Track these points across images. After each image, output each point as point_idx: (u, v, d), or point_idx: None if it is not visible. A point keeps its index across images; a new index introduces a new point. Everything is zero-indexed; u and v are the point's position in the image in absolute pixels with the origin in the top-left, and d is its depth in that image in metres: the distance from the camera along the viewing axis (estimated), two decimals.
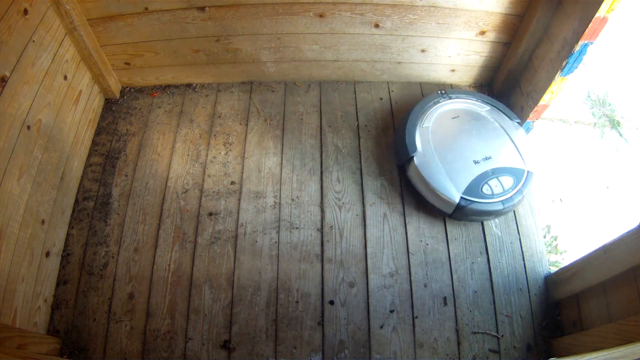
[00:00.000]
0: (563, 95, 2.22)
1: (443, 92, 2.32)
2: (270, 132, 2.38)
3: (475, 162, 2.07)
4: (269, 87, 2.55)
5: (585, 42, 1.88)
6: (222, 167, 2.26)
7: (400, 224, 2.12)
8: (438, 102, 2.28)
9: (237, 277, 1.98)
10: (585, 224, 2.82)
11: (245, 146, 2.33)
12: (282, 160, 2.29)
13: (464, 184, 2.02)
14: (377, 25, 2.22)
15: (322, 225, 2.11)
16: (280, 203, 2.16)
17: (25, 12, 1.73)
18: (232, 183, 2.21)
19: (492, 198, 2.01)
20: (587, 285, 1.72)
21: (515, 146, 2.13)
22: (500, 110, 2.26)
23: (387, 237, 2.09)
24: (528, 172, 2.07)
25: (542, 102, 2.18)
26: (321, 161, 2.29)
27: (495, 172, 2.05)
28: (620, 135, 3.21)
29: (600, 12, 1.74)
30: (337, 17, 2.18)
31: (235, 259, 2.02)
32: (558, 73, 2.02)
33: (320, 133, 2.38)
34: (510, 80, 2.43)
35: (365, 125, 2.41)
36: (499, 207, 1.99)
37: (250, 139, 2.35)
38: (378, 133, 2.39)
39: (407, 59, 2.44)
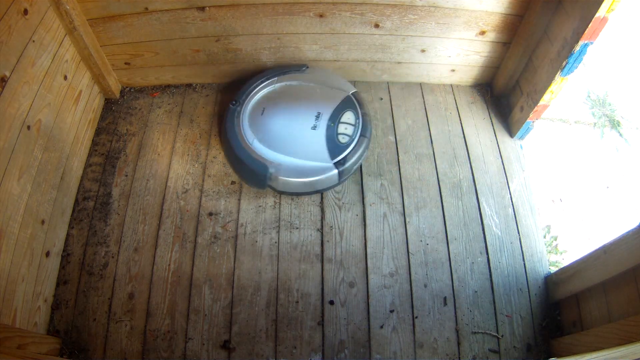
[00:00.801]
0: (563, 95, 2.22)
1: (233, 102, 2.22)
2: None
3: (313, 128, 2.10)
4: None
5: (585, 42, 1.88)
6: (222, 167, 2.26)
7: (400, 224, 2.12)
8: (234, 113, 2.18)
9: (237, 277, 1.98)
10: (585, 224, 2.82)
11: None
12: None
13: (325, 152, 2.05)
14: (377, 25, 2.22)
15: (322, 225, 2.11)
16: (280, 203, 2.16)
17: (25, 12, 1.73)
18: (232, 183, 2.21)
19: (353, 137, 2.09)
20: (587, 286, 1.72)
21: (324, 86, 2.23)
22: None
23: (387, 237, 2.09)
24: (352, 94, 2.21)
25: (542, 102, 2.18)
26: None
27: (333, 118, 2.12)
28: (620, 135, 3.21)
29: (600, 12, 1.74)
30: (337, 17, 2.18)
31: (235, 259, 2.02)
32: (558, 73, 2.02)
33: None
34: (510, 81, 2.43)
35: None
36: (361, 140, 2.10)
37: None
38: (378, 133, 2.39)
39: (407, 59, 2.44)
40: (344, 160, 2.04)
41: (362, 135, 2.12)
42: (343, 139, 2.08)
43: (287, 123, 2.13)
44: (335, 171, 2.02)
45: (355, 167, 2.12)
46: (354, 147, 2.08)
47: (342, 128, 2.11)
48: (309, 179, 2.02)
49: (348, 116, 2.15)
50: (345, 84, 2.30)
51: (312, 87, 2.26)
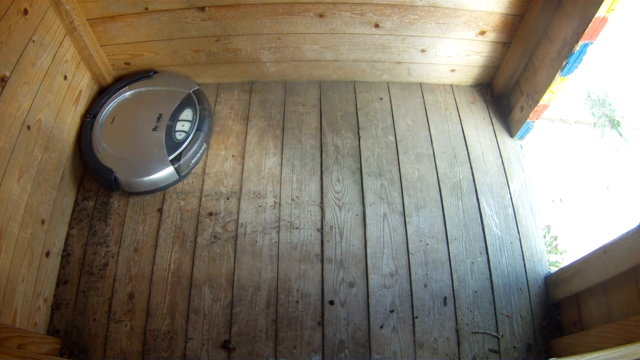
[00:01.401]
0: (563, 95, 2.22)
1: (87, 116, 2.24)
2: (270, 132, 2.38)
3: (154, 129, 2.17)
4: (269, 87, 2.55)
5: (585, 42, 1.88)
6: (222, 167, 2.26)
7: (400, 224, 2.12)
8: (87, 125, 2.21)
9: (237, 277, 1.98)
10: (585, 224, 2.82)
11: (245, 146, 2.33)
12: (282, 160, 2.29)
13: (163, 151, 2.11)
14: (377, 25, 2.22)
15: (322, 225, 2.11)
16: (280, 203, 2.16)
17: (25, 12, 1.73)
18: (232, 183, 2.21)
19: (189, 133, 2.17)
20: (587, 286, 1.72)
21: (168, 88, 2.30)
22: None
23: (387, 237, 2.09)
24: (193, 92, 2.28)
25: (542, 102, 2.18)
26: (321, 161, 2.29)
27: (173, 118, 2.20)
28: (620, 135, 3.21)
29: (600, 12, 1.74)
30: (337, 17, 2.18)
31: (235, 259, 2.02)
32: (558, 73, 2.02)
33: (320, 133, 2.38)
34: (510, 81, 2.43)
35: (366, 126, 2.41)
36: (197, 134, 2.18)
37: (250, 139, 2.35)
38: (378, 133, 2.39)
39: (407, 59, 2.44)
40: (179, 156, 2.12)
41: (199, 129, 2.21)
42: (180, 136, 2.17)
43: (131, 128, 2.22)
44: (171, 167, 2.10)
45: (193, 161, 2.21)
46: (189, 143, 2.17)
47: (179, 126, 2.21)
48: (148, 178, 2.09)
49: (186, 114, 2.25)
50: (188, 83, 2.39)
51: (157, 91, 2.35)
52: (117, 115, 2.25)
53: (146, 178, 2.09)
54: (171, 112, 2.23)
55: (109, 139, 2.17)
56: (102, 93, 2.33)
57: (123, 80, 2.38)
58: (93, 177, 2.21)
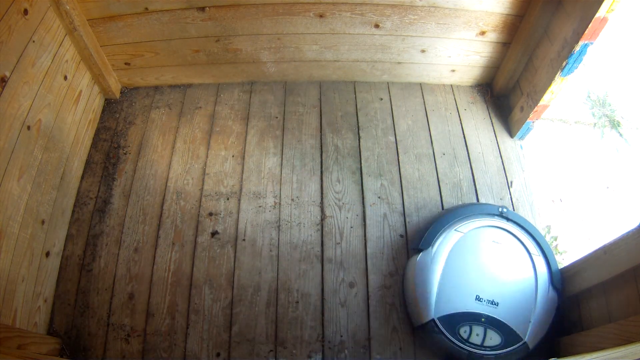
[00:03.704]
0: (563, 96, 2.23)
1: (504, 209, 1.99)
2: (270, 132, 2.38)
3: (477, 299, 1.80)
4: (269, 88, 2.55)
5: (585, 42, 1.88)
6: (222, 167, 2.26)
7: (401, 224, 2.12)
8: (493, 215, 1.97)
9: (237, 277, 1.98)
10: (586, 224, 2.82)
11: (245, 146, 2.33)
12: (282, 160, 2.29)
13: (448, 310, 1.78)
14: (377, 26, 2.22)
15: (322, 226, 2.11)
16: (280, 203, 2.16)
17: (25, 12, 1.73)
18: (232, 183, 2.21)
19: (463, 343, 1.75)
20: (587, 286, 1.72)
21: (533, 314, 1.79)
22: (548, 266, 1.89)
23: (387, 238, 2.09)
24: (524, 343, 1.76)
25: (542, 102, 2.18)
26: (321, 161, 2.29)
27: (489, 322, 1.77)
28: (620, 135, 3.21)
29: (600, 12, 1.74)
30: (337, 18, 2.18)
31: (235, 259, 2.02)
32: (558, 73, 2.02)
33: (320, 133, 2.38)
34: (510, 81, 2.43)
35: (366, 126, 2.41)
36: (463, 355, 1.75)
37: (250, 139, 2.35)
38: (378, 133, 2.39)
39: (407, 59, 2.44)
40: (436, 331, 1.78)
41: (463, 352, 1.77)
42: (463, 332, 1.78)
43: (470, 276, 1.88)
44: (423, 321, 1.81)
45: (428, 344, 1.86)
46: (446, 341, 1.78)
47: (477, 330, 1.78)
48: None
49: (493, 338, 1.78)
50: (534, 333, 1.81)
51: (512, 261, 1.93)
52: (468, 235, 1.93)
53: (409, 294, 1.88)
54: (498, 318, 1.78)
55: (440, 246, 1.90)
56: (489, 204, 2.06)
57: (516, 214, 2.02)
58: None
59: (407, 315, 1.91)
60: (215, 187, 2.20)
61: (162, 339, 1.86)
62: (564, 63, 1.98)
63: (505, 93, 2.52)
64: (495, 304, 1.80)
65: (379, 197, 2.19)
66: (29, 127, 1.77)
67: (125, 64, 2.38)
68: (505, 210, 1.99)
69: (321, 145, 2.34)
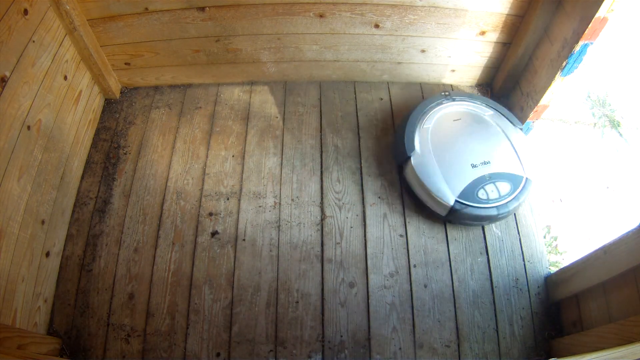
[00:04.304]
0: (563, 96, 2.22)
1: (446, 93, 2.30)
2: (270, 132, 2.38)
3: (473, 166, 2.05)
4: (269, 87, 2.55)
5: (585, 42, 1.88)
6: (222, 167, 2.26)
7: (401, 224, 2.12)
8: (440, 103, 2.25)
9: (237, 278, 1.98)
10: (586, 225, 2.82)
11: (245, 146, 2.33)
12: (282, 160, 2.29)
13: (460, 187, 2.00)
14: (377, 26, 2.22)
15: (322, 226, 2.11)
16: (280, 203, 2.16)
17: (25, 12, 1.73)
18: (232, 183, 2.21)
19: (488, 203, 1.98)
20: (587, 286, 1.72)
21: (516, 152, 2.10)
22: (503, 115, 2.23)
23: (387, 237, 2.09)
24: (526, 179, 2.04)
25: (542, 102, 2.18)
26: (321, 161, 2.29)
27: (493, 177, 2.02)
28: (620, 135, 3.21)
29: (600, 13, 1.74)
30: (337, 18, 2.18)
31: (235, 259, 2.02)
32: (558, 73, 2.02)
33: (321, 133, 2.38)
34: (510, 81, 2.43)
35: (366, 126, 2.41)
36: (494, 212, 1.97)
37: (250, 139, 2.35)
38: (378, 133, 2.39)
39: (407, 59, 2.44)
40: (464, 206, 1.99)
41: (492, 210, 2.01)
42: (482, 195, 2.01)
43: (451, 152, 2.14)
44: (449, 207, 2.00)
45: (462, 221, 2.09)
46: (480, 208, 2.00)
47: (490, 188, 2.03)
48: (428, 201, 2.08)
49: (504, 187, 2.04)
50: (529, 165, 2.11)
51: (487, 127, 2.22)
52: (434, 125, 2.19)
53: (424, 195, 2.07)
54: (497, 170, 2.04)
55: (422, 145, 2.12)
56: (434, 96, 2.30)
57: (458, 92, 2.36)
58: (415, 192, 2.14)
59: (407, 315, 1.91)
60: (215, 187, 2.20)
61: (162, 339, 1.86)
62: (564, 63, 1.98)
63: (505, 93, 2.52)
64: (487, 163, 2.06)
65: (379, 197, 2.19)
66: (29, 127, 1.77)
67: (125, 64, 2.38)
68: (447, 93, 2.31)
69: (321, 145, 2.34)
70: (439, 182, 2.01)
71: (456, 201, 1.98)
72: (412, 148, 2.10)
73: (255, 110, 2.45)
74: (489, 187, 2.00)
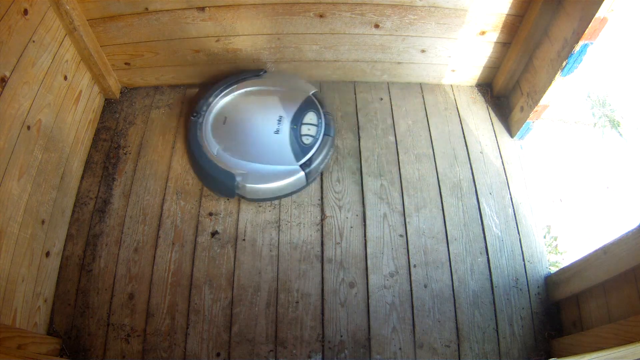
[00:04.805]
0: (563, 96, 2.23)
1: (194, 114, 2.21)
2: None
3: (276, 132, 2.10)
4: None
5: (586, 42, 1.87)
6: None
7: (400, 224, 2.12)
8: (195, 125, 2.18)
9: (237, 278, 1.98)
10: (586, 224, 2.82)
11: None
12: None
13: (290, 155, 2.05)
14: (377, 26, 2.22)
15: (322, 226, 2.11)
16: (280, 203, 2.16)
17: (25, 12, 1.73)
18: None
19: (316, 138, 2.10)
20: (587, 286, 1.72)
21: (284, 89, 2.23)
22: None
23: (387, 238, 2.09)
24: (312, 94, 2.19)
25: (542, 102, 2.18)
26: None
27: (296, 121, 2.12)
28: (620, 135, 3.21)
29: (601, 13, 1.74)
30: (337, 18, 2.18)
31: (235, 259, 2.02)
32: (558, 73, 2.02)
33: None
34: (510, 81, 2.43)
35: (366, 126, 2.41)
36: (325, 139, 2.11)
37: None
38: (378, 133, 2.39)
39: (407, 59, 2.44)
40: (310, 161, 2.06)
41: (326, 134, 2.15)
42: (307, 140, 2.10)
43: (249, 130, 2.15)
44: (302, 173, 2.04)
45: (321, 167, 2.15)
46: (318, 148, 2.10)
47: (305, 129, 2.13)
48: (276, 184, 2.03)
49: (310, 117, 2.17)
50: (306, 85, 2.32)
51: (272, 91, 2.28)
52: (228, 116, 2.19)
53: (274, 184, 2.03)
54: (292, 114, 2.17)
55: (224, 141, 2.11)
56: (204, 91, 2.28)
57: (230, 78, 2.32)
58: (203, 180, 2.15)
59: (407, 315, 1.91)
60: None
61: (162, 339, 1.86)
62: (564, 63, 1.98)
63: (505, 93, 2.52)
64: (281, 118, 2.17)
65: (379, 197, 2.19)
66: (29, 127, 1.77)
67: (125, 64, 2.38)
68: (263, 72, 2.35)
69: None
70: (278, 173, 2.05)
71: (300, 166, 2.04)
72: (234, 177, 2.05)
73: None
74: (304, 130, 2.12)
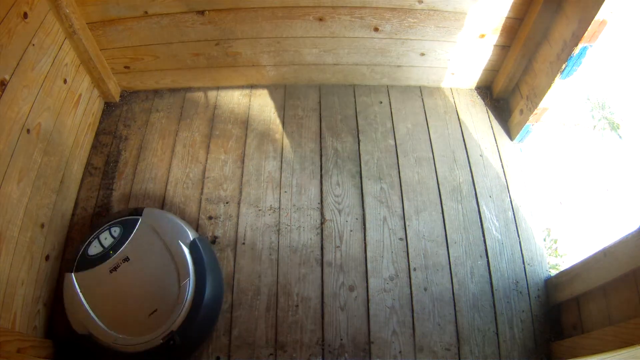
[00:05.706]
0: (563, 98, 2.23)
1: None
2: (269, 136, 2.38)
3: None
4: (268, 91, 2.55)
5: (585, 45, 1.88)
6: (221, 170, 2.26)
7: (400, 228, 2.12)
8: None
9: (236, 281, 1.98)
10: (585, 227, 2.82)
11: (244, 150, 2.33)
12: (281, 164, 2.29)
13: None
14: (376, 29, 2.23)
15: (321, 229, 2.11)
16: (280, 207, 2.16)
17: (25, 15, 1.74)
18: (232, 187, 2.21)
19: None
20: (587, 288, 1.72)
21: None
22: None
23: (387, 241, 2.08)
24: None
25: (541, 105, 2.18)
26: (321, 165, 2.29)
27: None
28: (620, 137, 3.21)
29: (600, 15, 1.75)
30: (337, 21, 2.18)
31: (235, 262, 2.02)
32: (557, 76, 2.02)
33: (320, 137, 2.38)
34: (510, 84, 2.43)
35: (365, 129, 2.41)
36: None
37: (249, 142, 2.35)
38: (378, 137, 2.39)
39: (407, 63, 2.44)
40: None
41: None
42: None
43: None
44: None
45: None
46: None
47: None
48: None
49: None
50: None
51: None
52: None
53: None
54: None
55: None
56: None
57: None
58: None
59: (407, 318, 1.91)
60: (214, 190, 2.20)
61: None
62: (564, 66, 1.98)
63: (505, 96, 2.53)
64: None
65: (378, 201, 2.19)
66: (28, 131, 1.77)
67: (125, 67, 2.39)
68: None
69: (321, 149, 2.34)
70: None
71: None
72: None
73: (255, 114, 2.45)
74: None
